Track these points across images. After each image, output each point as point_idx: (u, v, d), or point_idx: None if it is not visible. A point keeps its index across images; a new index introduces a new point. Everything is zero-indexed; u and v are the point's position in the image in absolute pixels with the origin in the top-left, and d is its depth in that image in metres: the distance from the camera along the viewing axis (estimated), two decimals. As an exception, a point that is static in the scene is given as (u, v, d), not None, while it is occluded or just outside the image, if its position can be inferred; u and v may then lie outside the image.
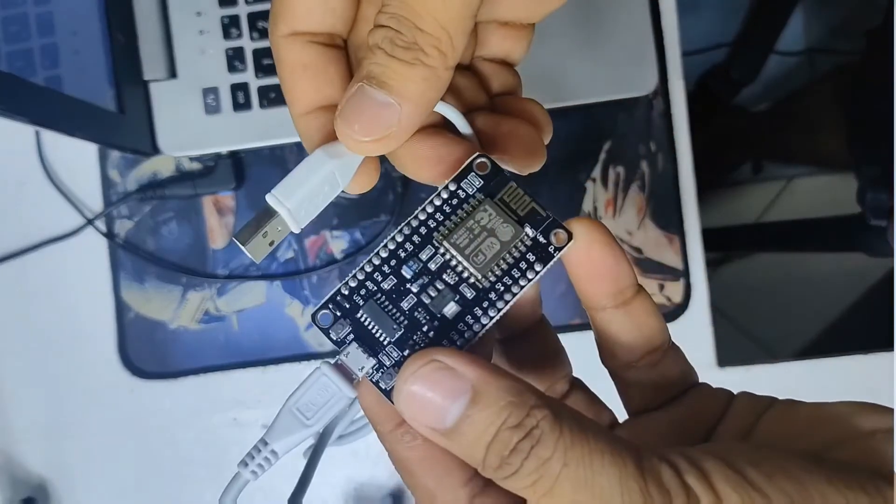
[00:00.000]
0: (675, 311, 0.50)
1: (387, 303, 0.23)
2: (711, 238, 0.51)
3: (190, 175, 0.49)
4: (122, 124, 0.47)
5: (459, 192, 0.23)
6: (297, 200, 0.23)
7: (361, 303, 0.23)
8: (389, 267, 0.23)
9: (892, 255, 0.55)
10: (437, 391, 0.20)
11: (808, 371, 0.51)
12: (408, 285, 0.23)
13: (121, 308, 0.50)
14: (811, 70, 0.94)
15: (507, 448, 0.19)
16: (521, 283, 0.22)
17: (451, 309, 0.22)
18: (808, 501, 0.19)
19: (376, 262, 0.23)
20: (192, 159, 0.49)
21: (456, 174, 0.23)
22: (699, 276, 0.50)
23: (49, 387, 0.50)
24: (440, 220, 0.23)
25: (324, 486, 0.50)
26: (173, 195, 0.49)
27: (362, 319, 0.22)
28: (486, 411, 0.20)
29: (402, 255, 0.23)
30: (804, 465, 0.20)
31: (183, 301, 0.50)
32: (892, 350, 0.49)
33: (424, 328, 0.22)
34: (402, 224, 0.23)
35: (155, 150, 0.48)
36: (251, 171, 0.50)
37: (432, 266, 0.23)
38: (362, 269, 0.22)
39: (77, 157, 0.50)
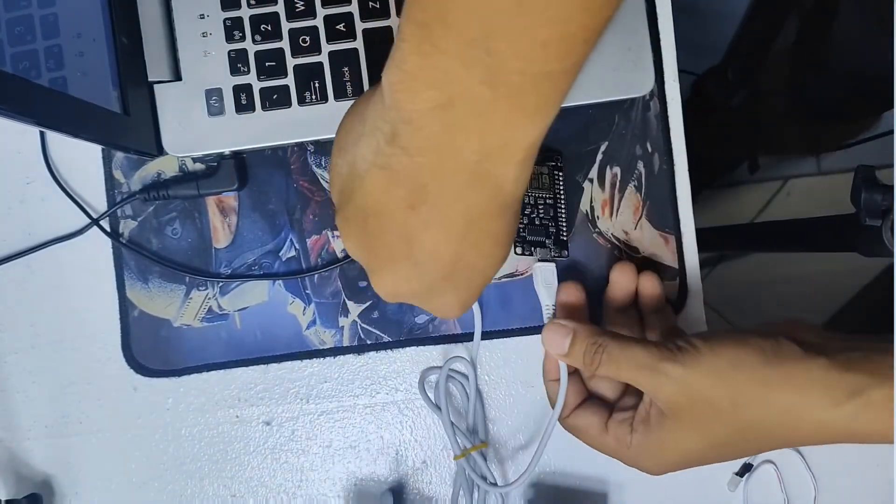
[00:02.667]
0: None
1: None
2: (707, 238, 0.51)
3: (193, 175, 0.50)
4: (127, 125, 0.47)
5: None
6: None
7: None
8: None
9: (886, 255, 0.55)
10: (557, 336, 0.43)
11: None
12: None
13: (125, 306, 0.50)
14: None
15: (591, 353, 0.42)
16: None
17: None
18: (744, 340, 0.40)
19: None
20: (195, 160, 0.50)
21: None
22: (694, 275, 0.51)
23: (54, 384, 0.51)
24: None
25: (324, 483, 0.51)
26: (177, 195, 0.49)
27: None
28: (579, 340, 0.42)
29: None
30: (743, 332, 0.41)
31: (186, 299, 0.50)
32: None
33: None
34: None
35: (160, 150, 0.48)
36: (253, 172, 0.50)
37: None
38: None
39: (81, 158, 0.50)
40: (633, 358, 0.41)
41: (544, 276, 0.47)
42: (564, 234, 0.49)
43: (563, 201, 0.49)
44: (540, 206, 0.48)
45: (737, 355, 0.39)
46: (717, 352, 0.40)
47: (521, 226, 0.47)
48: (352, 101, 0.47)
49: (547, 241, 0.48)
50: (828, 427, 0.38)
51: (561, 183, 0.49)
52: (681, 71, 0.50)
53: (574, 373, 0.47)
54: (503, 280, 0.50)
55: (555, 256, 0.48)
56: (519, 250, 0.47)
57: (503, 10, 0.26)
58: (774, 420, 0.39)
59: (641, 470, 0.44)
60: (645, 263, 0.51)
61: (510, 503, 0.49)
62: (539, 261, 0.48)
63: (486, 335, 0.50)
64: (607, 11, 0.28)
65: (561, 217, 0.49)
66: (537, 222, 0.48)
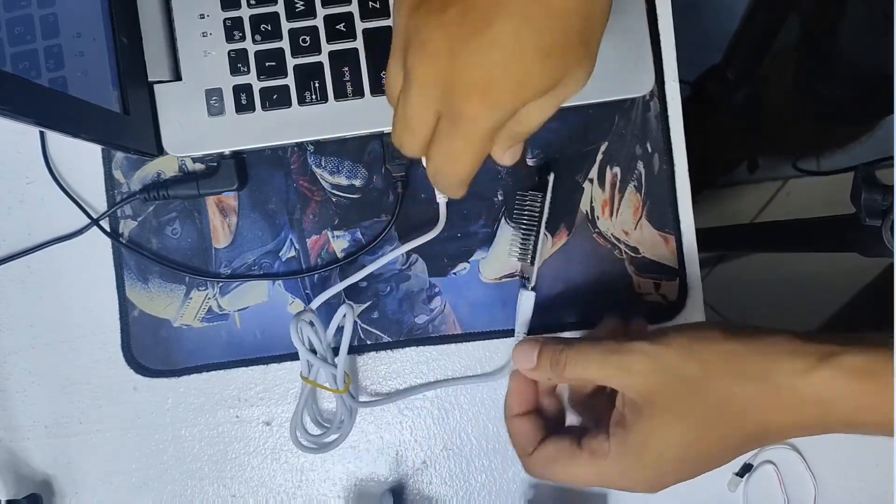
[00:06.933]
0: (670, 310, 0.51)
1: None
2: (707, 238, 0.51)
3: (193, 175, 0.50)
4: (127, 125, 0.47)
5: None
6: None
7: None
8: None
9: (886, 255, 0.55)
10: (526, 351, 0.44)
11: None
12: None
13: (125, 306, 0.50)
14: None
15: (557, 354, 0.42)
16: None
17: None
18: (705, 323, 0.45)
19: None
20: (195, 160, 0.50)
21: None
22: (694, 275, 0.51)
23: (54, 384, 0.50)
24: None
25: (324, 483, 0.51)
26: (177, 195, 0.49)
27: None
28: (543, 356, 0.43)
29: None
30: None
31: (186, 300, 0.50)
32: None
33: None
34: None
35: (160, 150, 0.48)
36: (253, 172, 0.50)
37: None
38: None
39: (82, 158, 0.50)
40: (598, 346, 0.41)
41: (528, 304, 0.49)
42: (537, 262, 0.49)
43: (545, 225, 0.49)
44: (533, 228, 0.49)
45: (700, 332, 0.40)
46: (680, 330, 0.41)
47: (521, 232, 0.49)
48: (352, 101, 0.48)
49: (529, 260, 0.49)
50: (803, 395, 0.37)
51: (548, 208, 0.49)
52: (681, 69, 0.50)
53: (535, 412, 0.46)
54: (503, 280, 0.50)
55: (525, 277, 0.50)
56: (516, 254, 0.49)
57: None
58: (748, 391, 0.38)
59: (630, 487, 0.41)
60: (645, 263, 0.51)
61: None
62: (530, 288, 0.49)
63: (487, 335, 0.50)
64: None
65: (537, 244, 0.49)
66: (528, 243, 0.49)
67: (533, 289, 0.49)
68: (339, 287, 0.49)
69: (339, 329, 0.46)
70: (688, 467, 0.41)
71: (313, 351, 0.46)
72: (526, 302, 0.49)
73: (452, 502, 0.51)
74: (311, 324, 0.46)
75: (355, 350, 0.50)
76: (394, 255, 0.49)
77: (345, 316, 0.46)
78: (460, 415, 0.51)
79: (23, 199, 0.50)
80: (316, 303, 0.47)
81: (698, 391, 0.39)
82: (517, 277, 0.51)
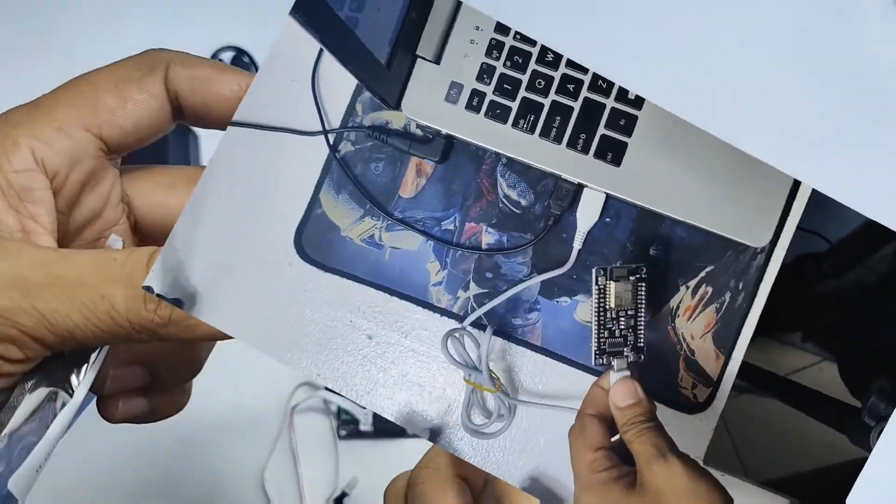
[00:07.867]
0: (695, 407, 0.63)
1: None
2: (747, 371, 0.64)
3: (410, 136, 0.62)
4: (384, 77, 0.60)
5: None
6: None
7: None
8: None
9: (865, 450, 0.67)
10: (630, 389, 0.52)
11: (766, 499, 0.64)
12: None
13: (314, 203, 0.63)
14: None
15: (628, 424, 0.50)
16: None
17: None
18: None
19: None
20: (418, 126, 0.63)
21: None
22: (724, 391, 0.62)
23: (231, 232, 0.62)
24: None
25: (386, 400, 0.63)
26: (392, 144, 0.62)
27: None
28: (632, 409, 0.50)
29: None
30: None
31: (360, 220, 0.63)
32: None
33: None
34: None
35: (397, 106, 0.61)
36: (455, 155, 0.62)
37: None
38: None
39: (339, 83, 0.62)
40: (649, 438, 0.48)
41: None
42: (642, 340, 0.55)
43: (643, 309, 0.55)
44: (621, 319, 0.54)
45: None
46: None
47: (602, 338, 0.53)
48: (549, 143, 0.60)
49: (625, 350, 0.54)
50: None
51: (643, 292, 0.55)
52: (792, 243, 0.62)
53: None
54: (588, 324, 0.62)
55: (632, 362, 0.54)
56: (601, 361, 0.54)
57: None
58: None
59: None
60: (694, 365, 0.63)
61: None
62: (617, 370, 0.53)
63: (559, 357, 0.62)
64: None
65: (640, 325, 0.54)
66: (617, 334, 0.54)
67: (630, 364, 0.54)
68: (497, 301, 0.61)
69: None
70: None
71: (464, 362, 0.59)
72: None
73: (471, 460, 0.63)
74: (465, 337, 0.59)
75: (459, 319, 0.63)
76: (530, 283, 0.61)
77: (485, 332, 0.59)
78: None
79: (284, 91, 0.63)
80: (469, 320, 0.60)
81: None
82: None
